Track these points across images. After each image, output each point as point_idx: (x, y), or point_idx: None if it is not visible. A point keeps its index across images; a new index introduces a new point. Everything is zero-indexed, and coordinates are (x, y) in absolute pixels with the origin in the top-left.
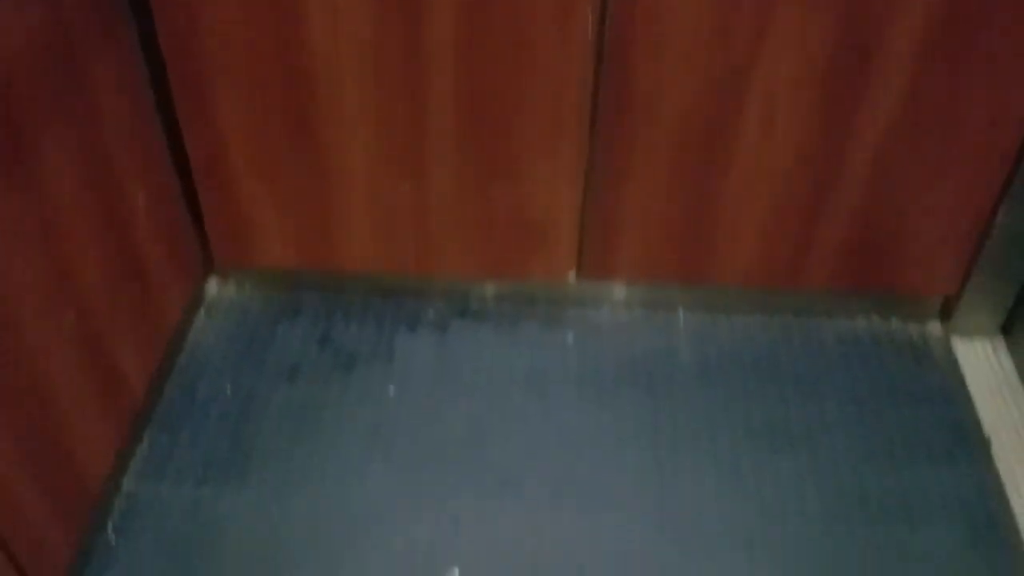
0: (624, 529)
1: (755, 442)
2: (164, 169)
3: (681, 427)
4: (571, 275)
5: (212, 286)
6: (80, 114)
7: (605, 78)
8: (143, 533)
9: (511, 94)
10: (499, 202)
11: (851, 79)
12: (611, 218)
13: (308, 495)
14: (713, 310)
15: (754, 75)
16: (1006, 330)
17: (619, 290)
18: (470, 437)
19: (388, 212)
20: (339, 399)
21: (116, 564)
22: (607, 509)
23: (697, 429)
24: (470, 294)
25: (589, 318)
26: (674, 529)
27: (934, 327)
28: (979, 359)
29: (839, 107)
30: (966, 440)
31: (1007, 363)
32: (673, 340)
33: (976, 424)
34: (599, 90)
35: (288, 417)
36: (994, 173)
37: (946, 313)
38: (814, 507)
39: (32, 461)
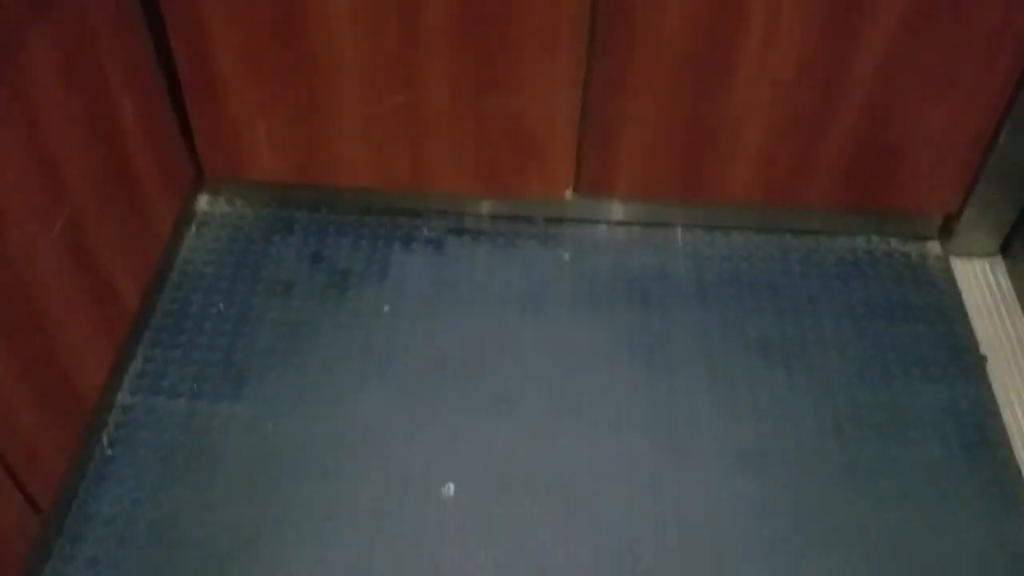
0: (619, 444)
1: (751, 358)
2: (151, 75)
3: (677, 344)
4: (568, 192)
5: (203, 202)
6: (64, 13)
7: None
8: (138, 445)
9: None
10: (495, 115)
11: None
12: (609, 133)
13: (303, 412)
14: (711, 228)
15: None
16: (1005, 250)
17: (617, 208)
18: (466, 354)
19: (381, 124)
20: (333, 316)
21: (112, 476)
22: (602, 425)
23: (693, 346)
24: (466, 212)
25: (586, 236)
26: (669, 444)
27: (933, 247)
28: (977, 279)
29: (841, 19)
30: (962, 358)
31: (1005, 283)
32: (671, 258)
33: (972, 342)
34: None
35: (282, 334)
36: (997, 93)
37: (945, 233)
38: (808, 422)
39: (26, 372)
